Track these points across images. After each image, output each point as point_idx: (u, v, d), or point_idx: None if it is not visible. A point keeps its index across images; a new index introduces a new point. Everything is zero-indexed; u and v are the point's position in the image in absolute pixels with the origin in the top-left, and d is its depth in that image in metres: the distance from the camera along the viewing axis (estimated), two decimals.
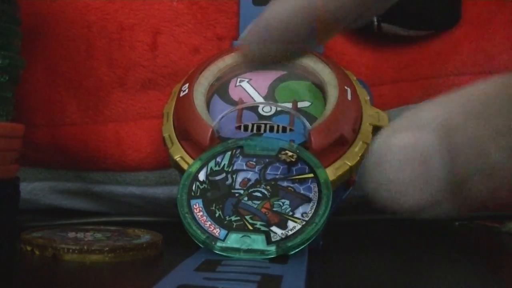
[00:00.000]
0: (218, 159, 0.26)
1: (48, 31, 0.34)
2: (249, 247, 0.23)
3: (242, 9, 0.33)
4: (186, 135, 0.27)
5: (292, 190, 0.25)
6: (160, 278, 0.19)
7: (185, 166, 0.27)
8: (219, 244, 0.23)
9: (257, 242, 0.23)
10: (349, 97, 0.28)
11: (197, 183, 0.25)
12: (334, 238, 0.30)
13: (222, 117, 0.27)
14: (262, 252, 0.23)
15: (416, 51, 0.35)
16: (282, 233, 0.24)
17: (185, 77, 0.30)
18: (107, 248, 0.25)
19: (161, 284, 0.19)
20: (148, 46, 0.34)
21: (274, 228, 0.24)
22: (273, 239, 0.23)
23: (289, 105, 0.28)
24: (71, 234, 0.27)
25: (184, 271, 0.20)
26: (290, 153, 0.26)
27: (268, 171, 0.25)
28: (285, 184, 0.25)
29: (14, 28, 0.30)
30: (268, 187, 0.25)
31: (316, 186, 0.25)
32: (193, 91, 0.28)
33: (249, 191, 0.25)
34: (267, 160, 0.26)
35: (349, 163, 0.26)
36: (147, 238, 0.27)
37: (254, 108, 0.28)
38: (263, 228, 0.24)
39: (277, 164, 0.26)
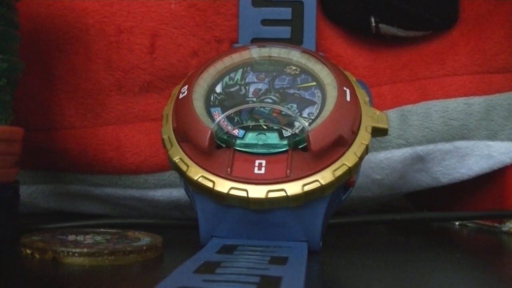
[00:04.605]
0: (232, 75, 0.29)
1: (46, 35, 0.34)
2: (265, 142, 0.27)
3: (241, 10, 0.33)
4: (185, 137, 0.27)
5: (298, 96, 0.28)
6: (160, 280, 0.19)
7: (184, 168, 0.27)
8: (238, 141, 0.27)
9: (271, 138, 0.27)
10: (348, 98, 0.28)
11: (215, 94, 0.28)
12: (334, 239, 0.31)
13: (221, 119, 0.27)
14: (275, 145, 0.26)
15: (414, 51, 0.35)
16: (291, 131, 0.27)
17: (183, 79, 0.30)
18: (107, 251, 0.25)
19: (161, 286, 0.19)
20: (146, 48, 0.34)
21: (284, 127, 0.27)
22: (284, 135, 0.27)
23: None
24: (71, 237, 0.27)
25: (183, 273, 0.20)
26: (294, 67, 0.29)
27: (276, 82, 0.29)
28: (291, 91, 0.28)
29: (12, 32, 0.30)
30: (277, 95, 0.28)
31: (319, 91, 0.28)
32: (192, 93, 0.28)
33: (261, 99, 0.28)
34: (274, 73, 0.29)
35: (348, 164, 0.26)
36: (147, 241, 0.27)
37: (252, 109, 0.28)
38: (275, 127, 0.27)
39: (284, 76, 0.29)
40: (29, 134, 0.32)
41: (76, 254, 0.25)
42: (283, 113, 0.28)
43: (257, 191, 0.26)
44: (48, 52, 0.34)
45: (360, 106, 0.28)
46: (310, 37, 0.33)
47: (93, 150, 0.35)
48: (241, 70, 0.30)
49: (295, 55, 0.30)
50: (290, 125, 0.27)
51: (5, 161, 0.29)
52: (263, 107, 0.28)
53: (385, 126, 0.28)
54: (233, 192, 0.26)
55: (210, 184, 0.26)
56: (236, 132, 0.27)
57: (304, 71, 0.29)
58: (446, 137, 0.35)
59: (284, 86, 0.29)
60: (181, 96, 0.28)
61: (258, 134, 0.27)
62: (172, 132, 0.28)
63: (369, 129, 0.28)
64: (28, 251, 0.26)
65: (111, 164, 0.35)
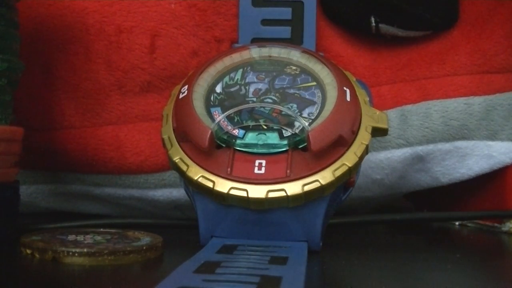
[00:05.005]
0: (232, 75, 0.29)
1: (46, 35, 0.34)
2: (265, 142, 0.27)
3: (241, 10, 0.33)
4: (185, 137, 0.27)
5: (298, 95, 0.28)
6: (160, 280, 0.19)
7: (184, 168, 0.27)
8: (238, 141, 0.27)
9: (272, 138, 0.27)
10: (348, 98, 0.28)
11: (215, 94, 0.28)
12: (334, 239, 0.31)
13: (221, 119, 0.27)
14: (275, 145, 0.26)
15: (414, 51, 0.35)
16: (291, 131, 0.27)
17: (183, 79, 0.30)
18: (107, 251, 0.25)
19: (161, 286, 0.19)
20: (146, 48, 0.34)
21: (284, 127, 0.27)
22: (284, 135, 0.27)
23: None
24: (71, 237, 0.27)
25: (183, 273, 0.20)
26: (294, 67, 0.29)
27: (276, 82, 0.29)
28: (291, 91, 0.28)
29: (12, 32, 0.30)
30: (277, 95, 0.28)
31: (319, 91, 0.28)
32: (192, 93, 0.28)
33: (261, 99, 0.28)
34: (274, 73, 0.29)
35: (348, 164, 0.26)
36: (147, 241, 0.27)
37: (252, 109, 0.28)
38: (275, 127, 0.27)
39: (284, 76, 0.29)
40: (29, 134, 0.32)
41: (76, 254, 0.25)
42: (283, 113, 0.28)
43: (257, 191, 0.26)
44: (48, 52, 0.34)
45: (360, 106, 0.28)
46: (310, 37, 0.33)
47: (93, 150, 0.35)
48: (241, 70, 0.30)
49: (295, 55, 0.30)
50: (290, 125, 0.27)
51: (5, 161, 0.29)
52: (263, 107, 0.28)
53: (385, 126, 0.28)
54: (233, 192, 0.26)
55: (210, 184, 0.26)
56: (236, 132, 0.27)
57: (304, 71, 0.29)
58: (446, 137, 0.35)
59: (284, 86, 0.29)
60: (181, 96, 0.28)
61: (258, 134, 0.27)
62: (172, 132, 0.28)
63: (369, 129, 0.28)
64: (28, 251, 0.26)
65: (111, 164, 0.35)
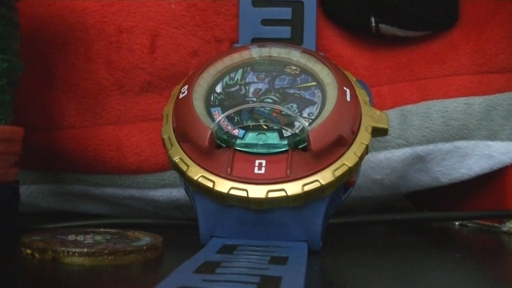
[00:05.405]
0: (232, 74, 0.29)
1: (46, 35, 0.34)
2: (265, 142, 0.27)
3: (241, 10, 0.33)
4: (185, 137, 0.27)
5: (298, 95, 0.28)
6: (160, 280, 0.19)
7: (184, 168, 0.27)
8: (238, 141, 0.27)
9: (272, 138, 0.27)
10: (348, 98, 0.28)
11: (215, 94, 0.28)
12: (334, 239, 0.31)
13: (221, 119, 0.27)
14: (275, 145, 0.26)
15: (414, 51, 0.35)
16: (291, 131, 0.27)
17: (183, 79, 0.30)
18: (107, 251, 0.25)
19: (161, 286, 0.19)
20: (146, 48, 0.34)
21: (284, 127, 0.27)
22: (284, 135, 0.27)
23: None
24: (71, 237, 0.27)
25: (183, 273, 0.20)
26: (294, 67, 0.29)
27: (276, 82, 0.29)
28: (291, 91, 0.28)
29: (13, 32, 0.30)
30: (277, 95, 0.28)
31: (319, 91, 0.28)
32: (192, 93, 0.28)
33: (261, 99, 0.28)
34: (274, 73, 0.29)
35: (348, 164, 0.26)
36: (147, 241, 0.27)
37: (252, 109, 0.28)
38: (275, 127, 0.27)
39: (284, 76, 0.29)
40: (29, 134, 0.32)
41: (76, 254, 0.25)
42: (283, 113, 0.28)
43: (257, 191, 0.26)
44: (48, 52, 0.34)
45: (360, 106, 0.28)
46: (310, 37, 0.33)
47: (93, 150, 0.35)
48: (241, 70, 0.30)
49: (295, 55, 0.30)
50: (290, 125, 0.27)
51: (5, 161, 0.29)
52: (263, 107, 0.28)
53: (385, 126, 0.28)
54: (233, 192, 0.26)
55: (210, 184, 0.26)
56: (236, 132, 0.27)
57: (304, 71, 0.29)
58: (446, 137, 0.35)
59: (284, 86, 0.29)
60: (181, 96, 0.28)
61: (258, 134, 0.27)
62: (172, 132, 0.28)
63: (369, 129, 0.28)
64: (28, 251, 0.26)
65: (111, 164, 0.35)
